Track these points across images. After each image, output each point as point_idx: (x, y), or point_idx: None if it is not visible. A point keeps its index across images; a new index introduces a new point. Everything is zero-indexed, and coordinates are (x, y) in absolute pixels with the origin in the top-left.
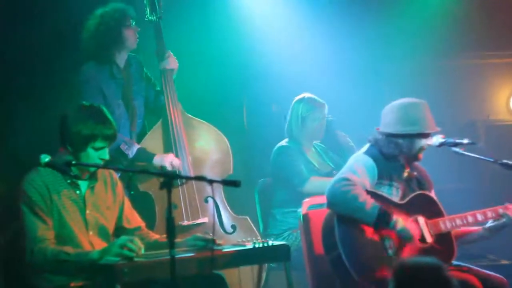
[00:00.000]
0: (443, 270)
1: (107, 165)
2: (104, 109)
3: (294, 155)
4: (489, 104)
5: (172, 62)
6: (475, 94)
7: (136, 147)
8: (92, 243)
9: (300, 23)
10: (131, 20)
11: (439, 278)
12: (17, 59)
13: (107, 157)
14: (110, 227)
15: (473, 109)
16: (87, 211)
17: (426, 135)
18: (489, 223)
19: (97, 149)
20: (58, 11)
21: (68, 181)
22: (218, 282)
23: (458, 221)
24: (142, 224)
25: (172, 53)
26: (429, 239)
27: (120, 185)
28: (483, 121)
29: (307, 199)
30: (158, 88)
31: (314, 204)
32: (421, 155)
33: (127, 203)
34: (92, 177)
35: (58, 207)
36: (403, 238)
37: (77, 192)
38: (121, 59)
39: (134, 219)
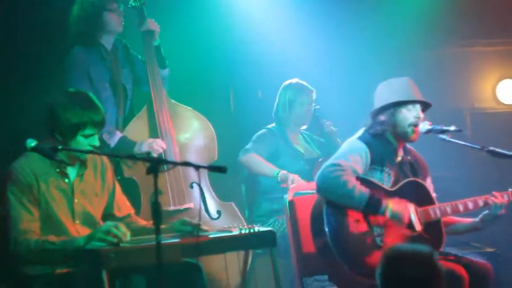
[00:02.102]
0: (432, 257)
1: (93, 150)
2: (91, 94)
3: (266, 138)
4: (475, 92)
5: (151, 24)
6: (461, 82)
7: (118, 136)
8: (79, 232)
9: (289, 11)
10: (115, 4)
11: (429, 264)
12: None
13: (97, 143)
14: (97, 215)
15: (459, 96)
16: (75, 200)
17: (407, 107)
18: (482, 214)
19: (86, 136)
20: None
21: (57, 170)
22: (194, 270)
23: (449, 209)
24: (132, 211)
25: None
26: (418, 227)
27: (110, 170)
28: (469, 109)
29: (293, 185)
30: (142, 59)
31: (300, 190)
32: (413, 136)
33: (118, 189)
34: (82, 165)
35: (45, 196)
36: (395, 221)
37: (66, 180)
38: (107, 42)
39: (124, 206)
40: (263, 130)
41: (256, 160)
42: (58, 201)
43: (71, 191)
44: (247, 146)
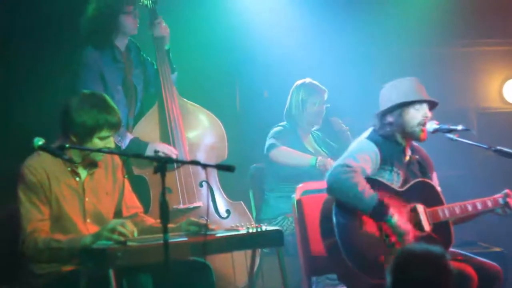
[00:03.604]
0: (444, 258)
1: (101, 149)
2: (107, 96)
3: (284, 134)
4: (481, 92)
5: (163, 29)
6: (467, 82)
7: (129, 138)
8: (89, 231)
9: (294, 10)
10: (131, 7)
11: (440, 266)
12: (17, 43)
13: (112, 145)
14: (109, 214)
15: (466, 96)
16: (86, 199)
17: (415, 107)
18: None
19: (102, 139)
20: None
21: (69, 168)
22: (203, 268)
23: (457, 210)
24: (140, 209)
25: (162, 20)
26: (427, 227)
27: (121, 168)
28: (475, 109)
29: (300, 185)
30: (156, 67)
31: (308, 189)
32: (422, 135)
33: (127, 187)
34: (92, 163)
35: (57, 195)
36: (396, 235)
37: (77, 179)
38: (121, 43)
39: (132, 204)
40: (279, 127)
41: (288, 152)
42: (69, 200)
43: (82, 190)
44: (271, 141)
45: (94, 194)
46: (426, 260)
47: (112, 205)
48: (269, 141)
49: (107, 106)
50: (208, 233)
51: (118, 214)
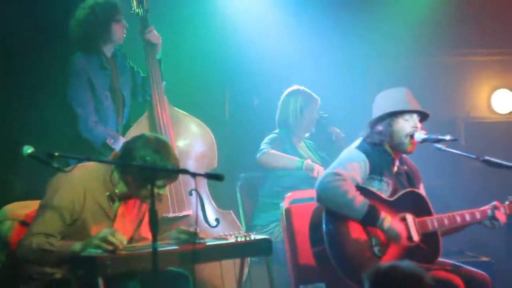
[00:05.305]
0: (418, 273)
1: (90, 157)
2: (169, 143)
3: (278, 142)
4: (470, 101)
5: (153, 36)
6: (456, 91)
7: (121, 140)
8: None
9: (286, 18)
10: (121, 15)
11: (415, 281)
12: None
13: (166, 193)
14: (126, 238)
15: (454, 106)
16: (114, 225)
17: (404, 117)
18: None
19: (159, 187)
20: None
21: (107, 193)
22: (181, 278)
23: (446, 221)
24: (148, 237)
25: (154, 28)
26: (415, 237)
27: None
28: (463, 118)
29: (289, 194)
30: (144, 75)
31: (296, 198)
32: (411, 147)
33: (146, 218)
34: (131, 196)
35: (86, 215)
36: (390, 238)
37: (111, 204)
38: (107, 51)
39: (146, 236)
40: (273, 135)
41: (276, 155)
42: (98, 222)
43: (114, 216)
44: (262, 147)
45: (121, 221)
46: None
47: (131, 232)
48: (260, 147)
49: (170, 153)
50: (198, 241)
51: (130, 241)
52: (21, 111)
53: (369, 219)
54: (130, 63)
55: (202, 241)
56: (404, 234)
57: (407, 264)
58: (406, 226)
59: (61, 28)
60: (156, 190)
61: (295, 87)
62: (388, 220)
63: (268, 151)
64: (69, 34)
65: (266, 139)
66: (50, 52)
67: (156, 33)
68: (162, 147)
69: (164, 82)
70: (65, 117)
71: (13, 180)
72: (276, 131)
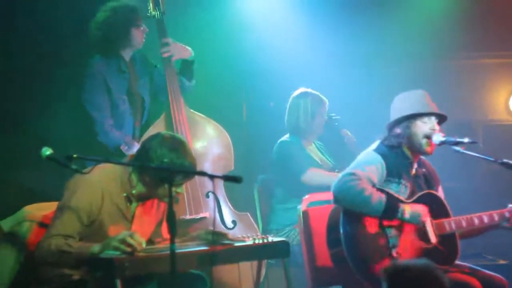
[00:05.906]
0: (434, 271)
1: (108, 159)
2: (185, 141)
3: (296, 149)
4: (487, 104)
5: (167, 52)
6: (473, 94)
7: (136, 147)
8: None
9: (301, 21)
10: (141, 21)
11: (431, 280)
12: (21, 49)
13: (182, 191)
14: (145, 239)
15: (472, 109)
16: (132, 226)
17: (423, 120)
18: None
19: (177, 186)
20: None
21: (125, 194)
22: (198, 280)
23: (464, 223)
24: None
25: (171, 40)
26: (433, 239)
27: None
28: (481, 121)
29: (306, 196)
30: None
31: (314, 201)
32: (429, 148)
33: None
34: (150, 197)
35: (104, 216)
36: (417, 222)
37: (129, 205)
38: (126, 54)
39: (166, 236)
40: (286, 143)
41: (319, 174)
42: (116, 223)
43: (131, 217)
44: (297, 162)
45: (139, 222)
46: (417, 274)
47: (149, 233)
48: (292, 162)
49: (187, 152)
50: (226, 242)
51: (149, 242)
52: (38, 114)
53: (389, 213)
54: (152, 62)
55: (230, 242)
56: (426, 209)
57: (424, 262)
58: (423, 229)
59: (73, 31)
60: (173, 189)
61: (302, 89)
62: (408, 209)
63: (309, 170)
64: (88, 36)
65: (284, 150)
66: (54, 52)
67: (172, 45)
68: (178, 145)
69: (193, 81)
70: (75, 119)
71: (30, 182)
72: (287, 136)
